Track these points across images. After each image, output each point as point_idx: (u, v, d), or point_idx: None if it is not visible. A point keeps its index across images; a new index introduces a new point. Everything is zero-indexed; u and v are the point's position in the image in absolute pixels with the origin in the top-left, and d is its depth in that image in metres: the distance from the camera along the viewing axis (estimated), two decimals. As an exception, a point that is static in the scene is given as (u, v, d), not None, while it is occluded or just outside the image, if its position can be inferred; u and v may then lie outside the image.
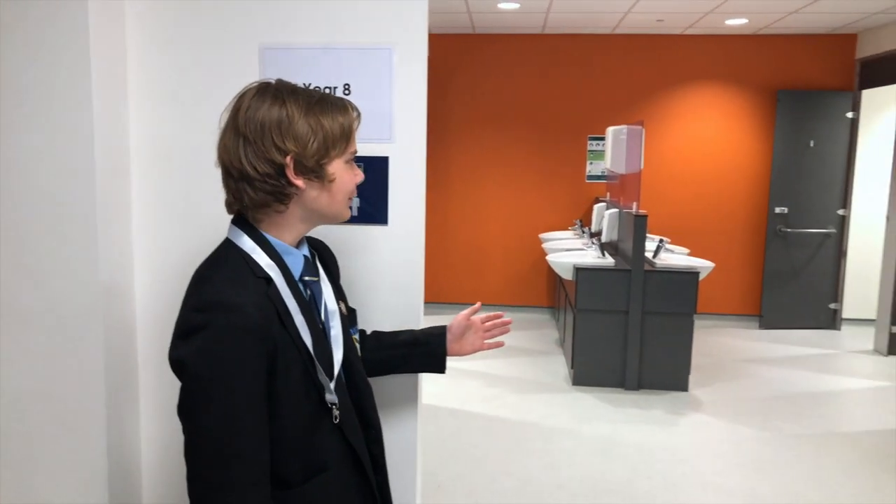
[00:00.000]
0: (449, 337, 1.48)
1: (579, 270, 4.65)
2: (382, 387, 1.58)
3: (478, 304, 1.55)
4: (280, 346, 1.07)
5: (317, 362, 1.12)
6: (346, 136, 1.13)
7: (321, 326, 1.17)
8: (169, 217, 1.65)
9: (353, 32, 1.58)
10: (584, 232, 6.08)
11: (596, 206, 6.31)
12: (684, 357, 4.64)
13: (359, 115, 1.18)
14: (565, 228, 6.70)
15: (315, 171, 1.11)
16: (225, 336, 1.02)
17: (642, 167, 5.12)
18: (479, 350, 1.51)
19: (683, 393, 4.63)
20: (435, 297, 6.73)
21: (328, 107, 1.12)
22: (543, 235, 6.44)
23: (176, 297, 1.16)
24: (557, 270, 5.03)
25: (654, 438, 3.90)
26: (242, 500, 1.03)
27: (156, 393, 1.69)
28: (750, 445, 3.83)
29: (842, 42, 6.20)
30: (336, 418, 1.14)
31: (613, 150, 5.53)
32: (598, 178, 6.63)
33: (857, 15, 5.42)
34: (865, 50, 6.03)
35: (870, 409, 4.43)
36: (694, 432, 4.00)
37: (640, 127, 4.98)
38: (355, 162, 1.21)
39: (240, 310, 1.03)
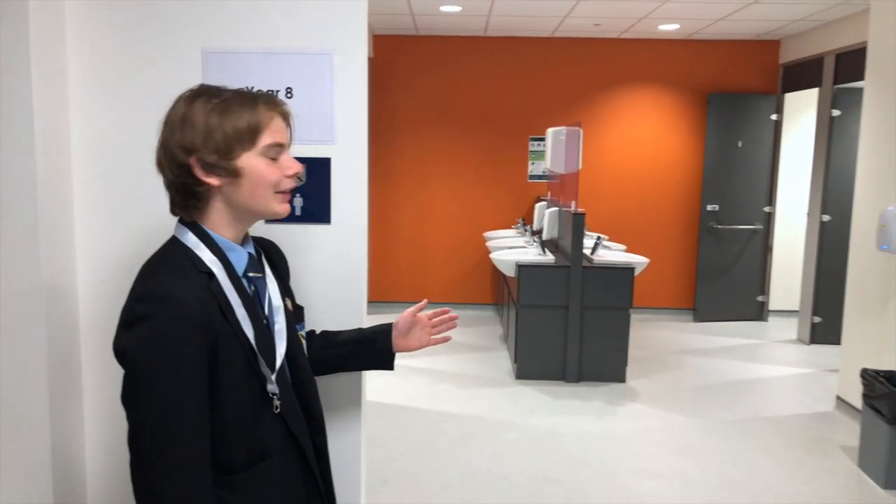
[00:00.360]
0: (395, 333, 1.53)
1: (521, 267, 4.79)
2: (327, 383, 1.63)
3: (423, 302, 1.60)
4: (221, 338, 1.12)
5: (258, 354, 1.17)
6: (254, 130, 1.16)
7: (265, 321, 1.23)
8: (111, 218, 1.66)
9: (294, 38, 1.64)
10: (526, 230, 6.24)
11: (537, 205, 6.47)
12: (622, 350, 4.83)
13: (278, 107, 1.21)
14: (508, 227, 6.85)
15: (223, 168, 1.15)
16: (166, 326, 1.07)
17: (580, 167, 5.29)
18: (425, 345, 1.56)
19: (621, 384, 4.81)
20: (380, 296, 6.78)
21: (233, 104, 1.16)
22: (487, 234, 6.57)
23: (119, 297, 1.19)
24: (500, 268, 5.16)
25: (593, 428, 4.05)
26: (184, 484, 1.08)
27: (99, 392, 1.71)
28: (682, 432, 4.03)
29: (766, 48, 6.54)
30: (277, 408, 1.19)
31: (553, 150, 5.69)
32: (540, 177, 6.80)
33: (779, 22, 5.73)
34: (788, 55, 6.37)
35: (793, 394, 4.71)
36: (631, 421, 4.18)
37: (577, 128, 5.15)
38: (299, 160, 1.27)
39: (181, 302, 1.08)
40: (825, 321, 5.83)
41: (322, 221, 1.68)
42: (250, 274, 1.23)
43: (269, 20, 1.63)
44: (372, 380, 4.66)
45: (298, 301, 1.49)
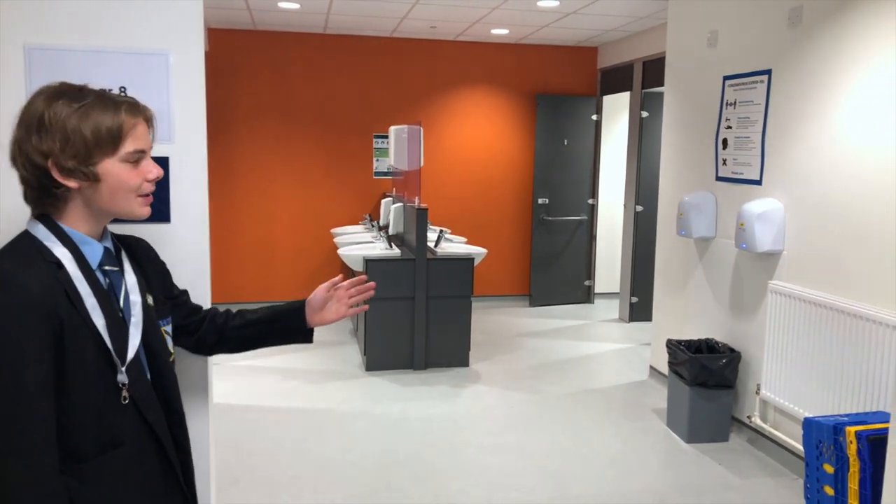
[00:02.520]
0: (308, 310, 1.59)
1: (368, 262, 4.91)
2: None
3: (338, 277, 1.65)
4: (67, 324, 1.14)
5: (109, 344, 1.20)
6: (115, 137, 1.18)
7: (120, 314, 1.25)
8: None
9: (128, 36, 1.63)
10: (373, 225, 6.37)
11: (383, 201, 6.63)
12: (465, 336, 5.12)
13: (141, 113, 1.24)
14: (356, 223, 6.94)
15: (82, 172, 1.16)
16: (6, 311, 1.09)
17: (422, 164, 5.52)
18: (343, 316, 1.61)
19: (465, 368, 5.10)
20: (224, 297, 6.60)
21: (94, 109, 1.17)
22: (335, 230, 6.62)
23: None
24: (348, 263, 5.25)
25: (439, 411, 4.28)
26: (28, 468, 1.09)
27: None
28: (520, 408, 4.37)
29: (586, 53, 7.16)
30: (125, 399, 1.22)
31: (396, 147, 5.87)
32: (385, 174, 6.96)
33: (595, 31, 6.32)
34: (605, 61, 7.03)
35: (614, 367, 5.26)
36: (474, 402, 4.46)
37: (418, 126, 5.36)
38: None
39: (21, 288, 1.10)
40: (641, 301, 6.53)
41: (161, 220, 1.69)
42: (106, 267, 1.25)
43: (100, 17, 1.61)
44: (219, 382, 4.58)
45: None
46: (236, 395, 4.48)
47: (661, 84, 5.98)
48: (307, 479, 3.40)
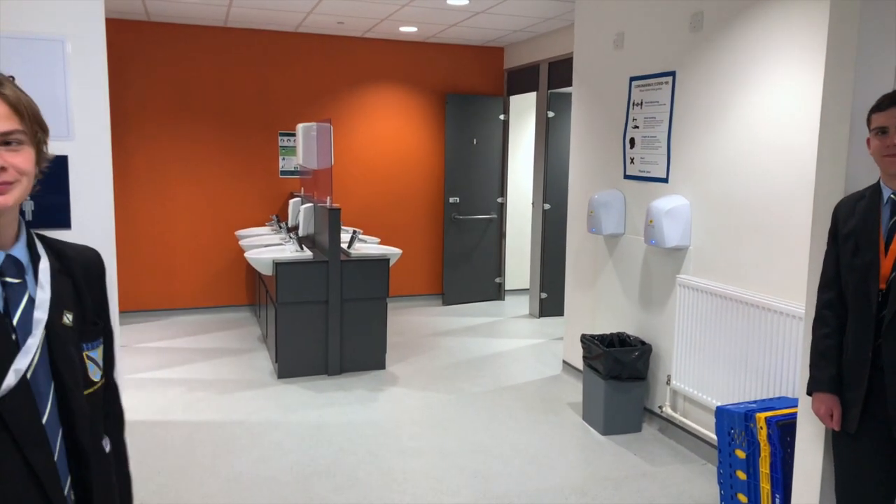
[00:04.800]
0: None
1: (279, 265, 4.72)
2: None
3: None
4: None
5: None
6: None
7: (12, 334, 1.09)
8: None
9: (17, 19, 1.45)
10: (281, 227, 6.15)
11: (291, 201, 6.42)
12: (381, 338, 5.03)
13: None
14: (262, 224, 6.69)
15: None
16: None
17: (333, 163, 5.37)
18: None
19: (382, 371, 5.02)
20: (122, 306, 6.17)
21: None
22: (240, 232, 6.34)
23: None
24: (257, 267, 5.03)
25: (356, 417, 4.18)
26: None
27: None
28: (439, 408, 4.34)
29: (493, 54, 7.23)
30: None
31: (304, 146, 5.69)
32: (292, 173, 6.74)
33: (502, 31, 6.38)
34: (511, 61, 7.12)
35: (528, 362, 5.33)
36: (392, 405, 4.39)
37: (328, 124, 5.21)
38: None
39: None
40: (550, 296, 6.67)
41: (60, 226, 1.52)
42: (7, 278, 1.09)
43: (-21, -2, 1.42)
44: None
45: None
46: (139, 410, 4.18)
47: (568, 85, 6.13)
48: (220, 497, 3.21)
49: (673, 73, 3.79)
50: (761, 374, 3.18)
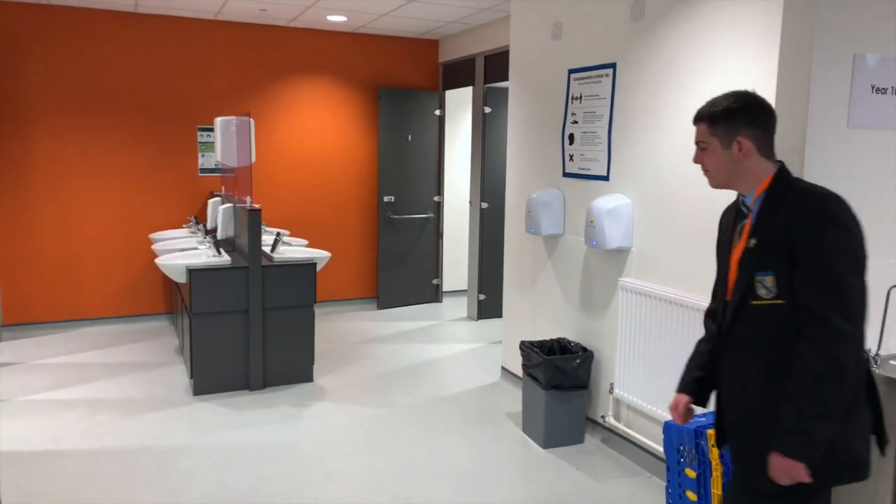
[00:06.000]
0: None
1: (193, 272, 4.32)
2: None
3: None
4: None
5: None
6: None
7: None
8: None
9: None
10: (199, 229, 5.70)
11: (210, 202, 5.98)
12: (307, 348, 4.68)
13: None
14: (180, 226, 6.21)
15: None
16: None
17: (254, 160, 4.99)
18: None
19: (309, 384, 4.67)
20: (18, 317, 5.60)
21: None
22: (154, 235, 5.86)
23: None
24: (168, 274, 4.60)
25: (279, 437, 3.82)
26: None
27: None
28: (370, 425, 4.03)
29: (427, 46, 6.94)
30: None
31: (223, 141, 5.27)
32: (213, 171, 6.29)
33: (436, 22, 6.10)
34: (446, 54, 6.85)
35: (465, 369, 5.08)
36: (319, 422, 4.05)
37: (248, 118, 4.82)
38: None
39: None
40: (489, 298, 6.44)
41: None
42: None
43: None
44: (5, 424, 3.80)
45: None
46: (28, 439, 3.71)
47: (505, 79, 5.90)
48: (117, 539, 2.83)
49: (613, 65, 3.59)
50: (708, 384, 3.00)
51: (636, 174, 3.49)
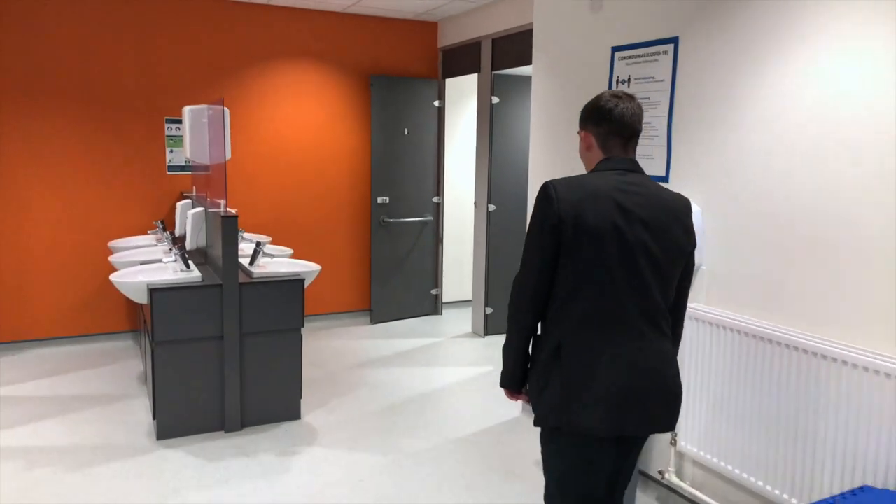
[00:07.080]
0: None
1: (155, 292, 3.57)
2: None
3: None
4: None
5: None
6: None
7: None
8: None
9: None
10: (167, 236, 4.93)
11: (179, 204, 5.22)
12: (294, 380, 3.95)
13: None
14: (144, 232, 5.44)
15: None
16: None
17: (230, 156, 4.24)
18: None
19: (296, 422, 3.94)
20: (-44, 339, 4.81)
21: None
22: (114, 243, 5.07)
23: None
24: (126, 293, 3.84)
25: (260, 499, 3.10)
26: None
27: None
28: (371, 480, 3.32)
29: (425, 29, 6.22)
30: None
31: (193, 135, 4.51)
32: (183, 168, 5.52)
33: (434, 1, 5.38)
34: (446, 39, 6.13)
35: (480, 401, 4.37)
36: (309, 477, 3.33)
37: (222, 107, 4.06)
38: None
39: None
40: (497, 312, 5.75)
41: None
42: None
43: None
44: None
45: None
46: (-57, 508, 2.96)
47: (516, 64, 5.21)
48: None
49: (675, 40, 2.90)
50: (814, 444, 2.33)
51: (705, 174, 2.81)
